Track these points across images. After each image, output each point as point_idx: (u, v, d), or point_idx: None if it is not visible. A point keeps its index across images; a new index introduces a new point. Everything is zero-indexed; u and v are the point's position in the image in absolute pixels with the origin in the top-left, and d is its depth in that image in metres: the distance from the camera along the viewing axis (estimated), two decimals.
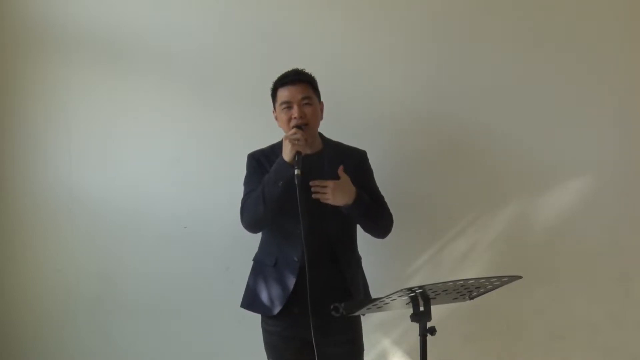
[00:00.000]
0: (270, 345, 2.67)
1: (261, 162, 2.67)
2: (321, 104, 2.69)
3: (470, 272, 3.16)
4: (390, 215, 2.72)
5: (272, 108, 2.69)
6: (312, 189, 2.50)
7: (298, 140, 2.47)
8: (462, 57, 3.21)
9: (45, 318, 3.33)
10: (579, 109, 3.20)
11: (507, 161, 3.23)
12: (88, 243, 3.30)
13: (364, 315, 2.69)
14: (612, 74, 3.19)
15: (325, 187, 2.50)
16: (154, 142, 3.28)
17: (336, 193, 2.50)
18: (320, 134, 2.73)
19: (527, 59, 3.20)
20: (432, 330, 2.16)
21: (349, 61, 3.18)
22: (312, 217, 2.50)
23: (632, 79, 3.19)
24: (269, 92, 3.11)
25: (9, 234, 3.34)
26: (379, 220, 2.67)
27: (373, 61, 3.22)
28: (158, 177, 3.27)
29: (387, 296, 2.10)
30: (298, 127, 2.53)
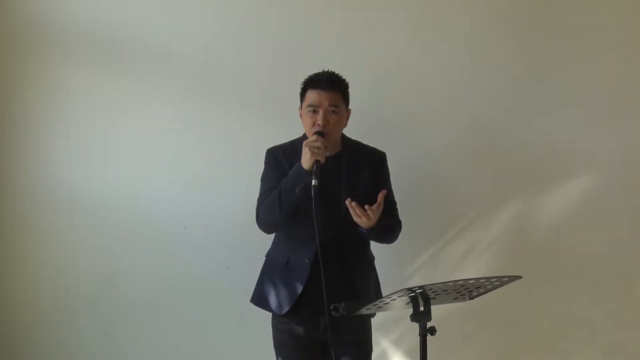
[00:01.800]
0: (279, 343, 2.67)
1: (280, 159, 2.63)
2: (348, 111, 2.64)
3: (470, 272, 3.17)
4: (400, 224, 2.70)
5: (299, 104, 2.63)
6: (351, 208, 2.42)
7: (318, 148, 2.43)
8: (462, 58, 3.21)
9: (45, 318, 3.33)
10: (579, 109, 3.21)
11: (507, 161, 3.24)
12: (88, 243, 3.30)
13: (373, 316, 2.70)
14: (612, 73, 3.19)
15: (368, 216, 2.41)
16: (154, 142, 3.28)
17: (368, 223, 2.44)
18: (342, 134, 2.68)
19: (528, 59, 3.20)
20: (432, 330, 2.16)
21: (350, 61, 3.16)
22: (325, 221, 2.47)
23: (632, 78, 3.20)
24: (270, 92, 3.12)
25: (9, 234, 3.34)
26: (391, 235, 2.67)
27: (376, 62, 3.22)
28: (158, 177, 3.27)
29: (387, 296, 2.10)
30: (319, 133, 2.49)
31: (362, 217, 2.41)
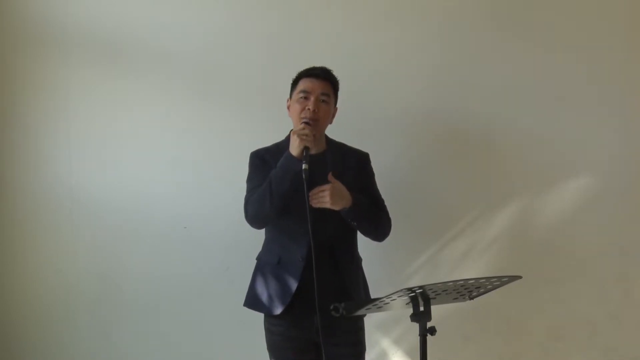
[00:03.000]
0: (272, 345, 2.67)
1: (266, 159, 2.66)
2: (335, 109, 2.68)
3: (470, 272, 3.17)
4: (389, 219, 2.72)
5: (288, 96, 2.68)
6: (311, 196, 2.48)
7: (307, 135, 2.47)
8: (462, 58, 3.21)
9: (45, 318, 3.33)
10: (579, 109, 3.20)
11: (507, 161, 3.24)
12: (88, 243, 3.30)
13: (364, 316, 2.70)
14: (612, 73, 3.19)
15: (323, 191, 2.49)
16: (154, 142, 3.28)
17: (334, 196, 2.49)
18: (325, 135, 2.72)
19: (528, 59, 3.20)
20: (432, 330, 2.16)
21: (350, 61, 3.17)
22: (314, 217, 2.49)
23: (632, 79, 3.20)
24: (270, 92, 3.12)
25: (9, 234, 3.34)
26: (377, 224, 2.67)
27: (373, 61, 3.22)
28: (158, 177, 3.27)
29: (387, 296, 2.10)
30: (306, 123, 2.53)
31: (320, 198, 2.48)
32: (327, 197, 2.48)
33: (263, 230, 2.73)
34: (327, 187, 2.50)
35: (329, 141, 2.73)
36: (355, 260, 2.72)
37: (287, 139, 2.61)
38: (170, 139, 3.27)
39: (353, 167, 2.66)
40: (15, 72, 3.31)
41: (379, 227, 2.68)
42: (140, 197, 3.28)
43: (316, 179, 2.52)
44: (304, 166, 2.41)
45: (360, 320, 2.69)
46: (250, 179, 2.69)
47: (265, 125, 3.14)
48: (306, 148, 2.45)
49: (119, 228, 3.29)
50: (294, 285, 2.56)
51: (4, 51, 3.30)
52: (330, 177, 2.52)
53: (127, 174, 3.28)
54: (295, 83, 2.66)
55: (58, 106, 3.30)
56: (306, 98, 2.59)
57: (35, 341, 3.33)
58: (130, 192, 3.28)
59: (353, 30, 3.23)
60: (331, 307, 2.18)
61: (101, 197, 3.29)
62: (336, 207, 2.51)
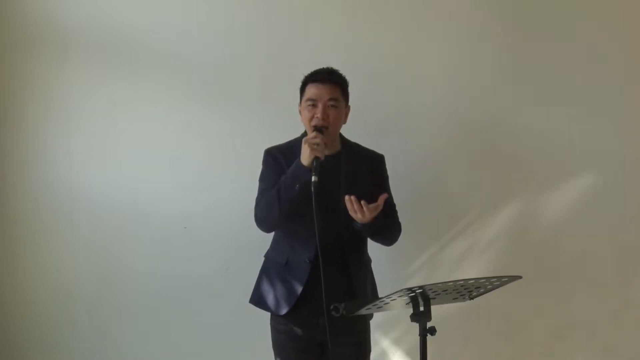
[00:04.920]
0: (278, 343, 2.66)
1: (277, 158, 2.63)
2: (347, 107, 2.64)
3: (470, 272, 3.17)
4: (399, 226, 2.70)
5: (298, 101, 2.64)
6: (349, 202, 2.41)
7: (317, 145, 2.43)
8: (463, 58, 3.21)
9: (45, 318, 3.33)
10: (579, 108, 3.20)
11: (507, 161, 3.24)
12: (88, 243, 3.31)
13: (371, 318, 2.70)
14: (612, 73, 3.19)
15: (362, 210, 2.40)
16: (154, 142, 3.28)
17: (367, 216, 2.43)
18: (340, 134, 2.69)
19: (529, 59, 3.20)
20: (432, 330, 2.16)
21: (351, 61, 3.16)
22: (324, 219, 2.47)
23: (632, 78, 3.20)
24: (270, 92, 3.13)
25: (9, 234, 3.34)
26: (387, 236, 2.66)
27: (375, 61, 3.22)
28: (158, 177, 3.27)
29: (387, 296, 2.10)
30: (318, 130, 2.49)
31: (357, 212, 2.42)
32: (359, 217, 2.42)
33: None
34: (367, 214, 2.41)
35: (344, 141, 2.70)
36: (364, 261, 2.72)
37: (301, 137, 2.59)
38: (170, 139, 3.27)
39: (367, 168, 2.64)
40: (15, 72, 3.31)
41: (388, 238, 2.68)
42: (140, 197, 3.28)
43: (329, 178, 2.50)
44: (313, 178, 2.38)
45: (365, 321, 2.68)
46: (262, 178, 2.67)
47: (266, 125, 3.14)
48: (317, 158, 2.42)
49: (119, 228, 3.29)
50: (299, 288, 2.56)
51: (4, 51, 3.30)
52: (381, 200, 2.43)
53: (127, 173, 3.28)
54: (302, 89, 2.62)
55: (58, 106, 3.30)
56: (314, 105, 2.55)
57: (35, 341, 3.33)
58: (130, 192, 3.28)
59: (353, 31, 3.23)
60: (331, 307, 2.18)
61: (101, 197, 3.29)
62: (359, 221, 2.47)
